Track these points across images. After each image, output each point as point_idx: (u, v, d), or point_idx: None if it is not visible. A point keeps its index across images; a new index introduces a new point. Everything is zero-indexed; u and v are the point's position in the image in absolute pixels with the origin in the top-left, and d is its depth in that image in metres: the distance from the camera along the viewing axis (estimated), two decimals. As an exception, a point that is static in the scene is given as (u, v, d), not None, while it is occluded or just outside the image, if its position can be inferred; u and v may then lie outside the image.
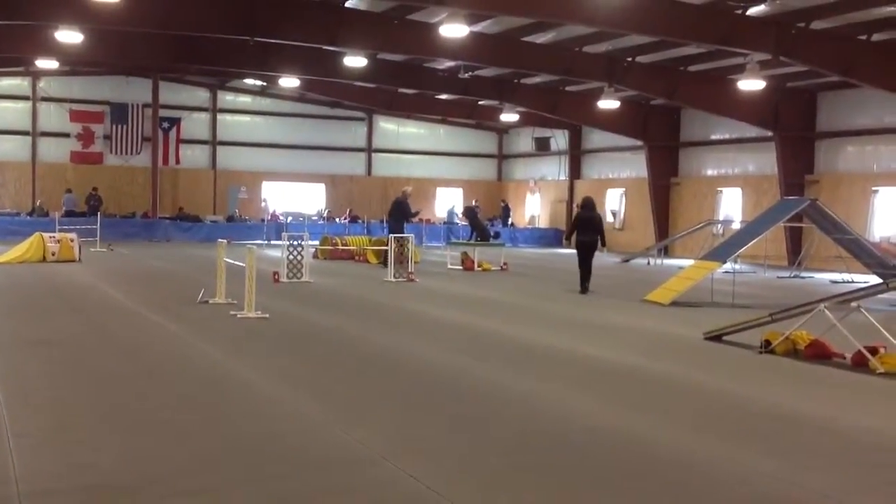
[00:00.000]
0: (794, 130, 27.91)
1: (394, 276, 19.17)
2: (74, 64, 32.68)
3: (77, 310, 13.35)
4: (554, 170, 40.16)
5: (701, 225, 29.25)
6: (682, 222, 32.48)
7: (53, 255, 21.65)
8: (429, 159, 42.14)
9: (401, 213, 23.72)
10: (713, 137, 32.30)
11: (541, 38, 25.36)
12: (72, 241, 22.28)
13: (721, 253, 17.19)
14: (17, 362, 8.90)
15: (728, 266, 17.42)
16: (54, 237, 22.31)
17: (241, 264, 13.25)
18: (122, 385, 8.00)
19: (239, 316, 12.48)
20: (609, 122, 32.70)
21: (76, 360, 9.18)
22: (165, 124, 37.04)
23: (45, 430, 6.35)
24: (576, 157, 39.18)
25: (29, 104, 35.92)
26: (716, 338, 11.44)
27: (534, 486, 5.38)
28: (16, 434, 6.12)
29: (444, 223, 39.22)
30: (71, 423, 6.55)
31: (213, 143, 38.59)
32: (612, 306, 15.55)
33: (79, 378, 8.27)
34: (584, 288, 17.69)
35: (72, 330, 11.19)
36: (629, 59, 26.23)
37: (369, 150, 41.30)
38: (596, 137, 37.77)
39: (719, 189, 31.93)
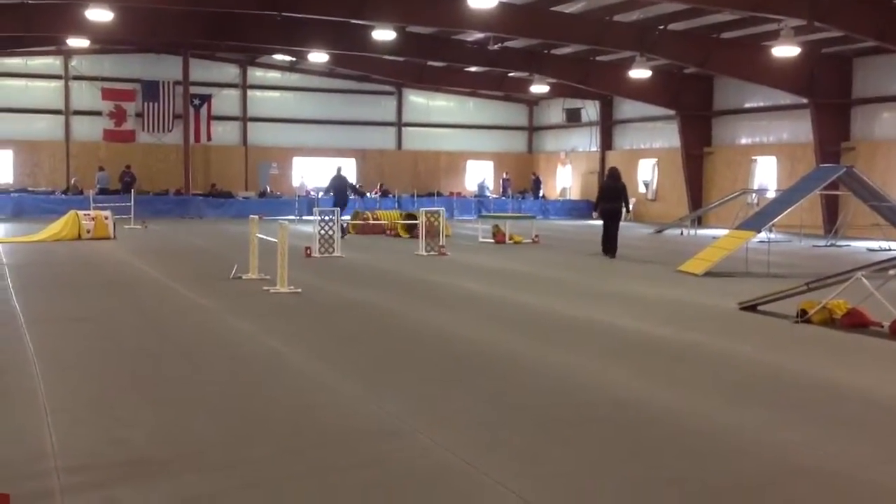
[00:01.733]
0: (829, 97, 27.45)
1: (425, 249, 19.17)
2: (105, 42, 32.84)
3: (112, 286, 13.48)
4: (585, 141, 39.88)
5: (735, 194, 28.93)
6: (715, 192, 32.17)
7: (88, 232, 21.86)
8: (459, 132, 41.99)
9: (344, 187, 24.73)
10: (747, 105, 31.87)
11: (570, 8, 25.08)
12: (106, 218, 22.49)
13: (756, 222, 17.00)
14: (54, 338, 9.01)
15: (763, 235, 17.25)
16: (89, 215, 22.53)
17: (273, 240, 13.31)
18: (156, 360, 8.08)
19: (271, 291, 12.54)
20: (641, 92, 32.36)
21: (111, 336, 9.28)
22: (196, 101, 37.18)
23: (81, 406, 6.43)
24: (607, 127, 38.85)
25: (61, 83, 36.19)
26: (751, 308, 11.33)
27: (564, 458, 5.37)
28: (53, 409, 6.20)
29: (475, 196, 39.12)
30: (106, 399, 6.63)
31: (244, 119, 38.69)
32: (645, 277, 15.45)
33: (114, 354, 8.35)
34: (611, 252, 18.78)
35: (107, 306, 11.30)
36: (661, 27, 25.89)
37: (399, 123, 41.22)
38: (627, 108, 37.41)
39: (753, 158, 31.55)
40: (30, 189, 34.12)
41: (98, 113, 36.38)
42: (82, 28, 26.57)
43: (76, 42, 30.14)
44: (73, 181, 34.82)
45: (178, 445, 5.51)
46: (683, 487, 4.94)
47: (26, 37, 29.87)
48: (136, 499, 4.56)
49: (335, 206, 22.11)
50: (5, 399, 6.32)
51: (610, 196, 19.36)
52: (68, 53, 35.31)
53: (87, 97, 36.34)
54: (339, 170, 25.65)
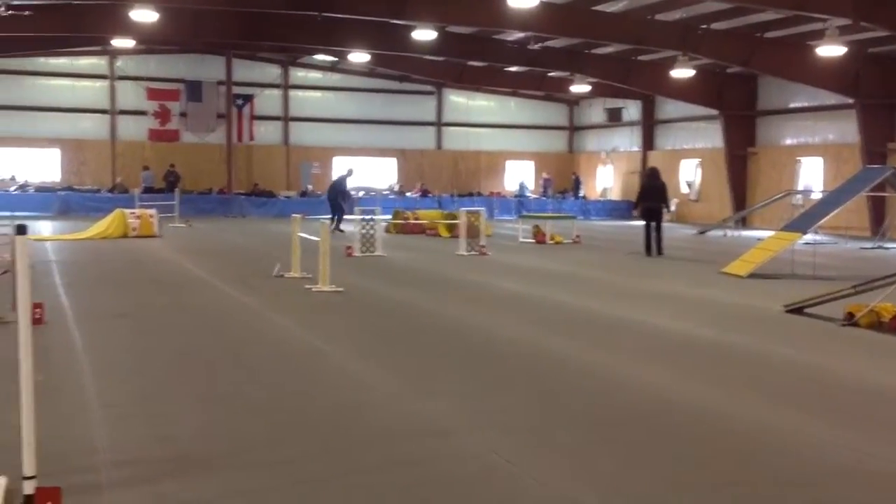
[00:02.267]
0: (876, 97, 27.00)
1: (465, 249, 19.18)
2: (150, 43, 33.24)
3: (158, 284, 13.66)
4: (626, 141, 39.63)
5: (780, 195, 28.58)
6: (759, 193, 31.80)
7: (134, 230, 22.15)
8: (499, 132, 41.92)
9: (337, 192, 25.78)
10: (792, 105, 31.45)
11: (612, 7, 24.93)
12: (151, 216, 22.78)
13: (801, 224, 16.79)
14: (102, 335, 9.15)
15: (808, 237, 17.03)
16: (135, 213, 22.83)
17: (314, 239, 13.39)
18: (200, 357, 8.17)
19: (314, 290, 12.62)
20: (683, 92, 32.08)
21: (157, 332, 9.41)
22: (239, 101, 37.51)
23: (128, 401, 6.52)
24: (649, 127, 38.56)
25: (107, 83, 36.70)
26: (796, 310, 11.19)
27: (607, 458, 5.35)
28: (101, 405, 6.30)
29: (515, 196, 39.07)
30: (152, 395, 6.72)
31: (286, 119, 38.97)
32: (688, 278, 15.33)
33: (159, 350, 8.47)
34: (657, 251, 19.06)
35: (153, 303, 11.45)
36: (704, 26, 25.63)
37: (439, 123, 41.27)
38: (669, 107, 37.11)
39: (798, 158, 31.13)
40: (76, 187, 34.64)
41: (143, 112, 36.84)
42: (128, 29, 26.93)
43: (122, 42, 30.55)
44: (118, 180, 35.28)
45: (222, 442, 5.57)
46: (727, 487, 4.90)
47: (73, 37, 30.34)
48: (182, 494, 4.62)
49: (334, 206, 24.78)
50: (55, 394, 6.43)
51: (649, 195, 19.65)
52: (114, 54, 35.80)
53: (132, 97, 36.80)
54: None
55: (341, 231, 23.90)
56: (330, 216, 24.76)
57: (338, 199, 25.89)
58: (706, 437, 5.83)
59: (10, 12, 23.99)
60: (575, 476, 5.02)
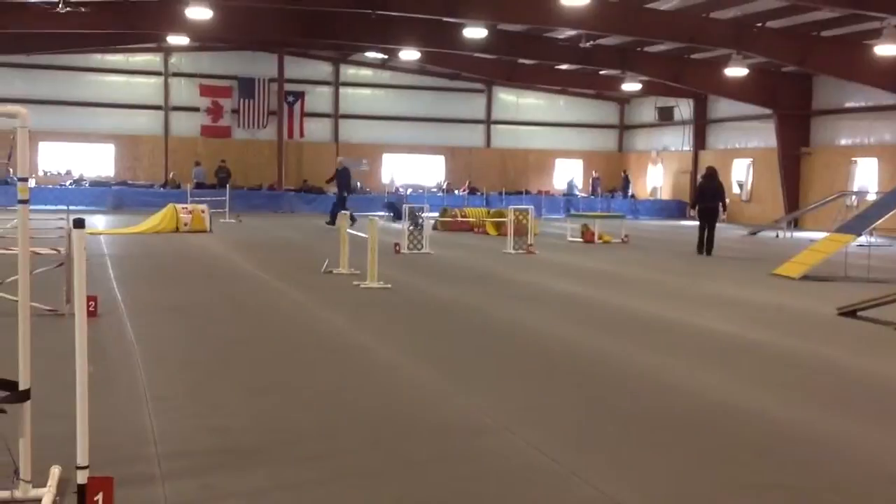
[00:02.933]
0: (935, 97, 26.45)
1: (513, 247, 19.14)
2: (204, 40, 33.68)
3: (209, 278, 13.84)
4: (677, 140, 39.25)
5: (834, 196, 28.10)
6: (813, 194, 31.29)
7: (186, 225, 22.46)
8: (548, 130, 41.76)
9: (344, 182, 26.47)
10: (847, 105, 30.89)
11: (665, 5, 24.71)
12: (203, 212, 23.07)
13: (855, 225, 16.49)
14: (155, 327, 9.30)
15: (863, 239, 16.72)
16: (186, 208, 23.14)
17: (363, 235, 13.46)
18: (249, 350, 8.26)
19: (362, 286, 12.69)
20: (736, 91, 31.67)
21: (208, 325, 9.53)
22: (290, 98, 37.84)
23: (179, 393, 6.62)
24: (701, 126, 38.15)
25: (161, 79, 37.24)
26: (850, 313, 11.00)
27: (654, 459, 5.31)
28: (153, 396, 6.40)
29: (564, 195, 38.90)
30: (203, 387, 6.81)
31: (336, 116, 39.22)
32: (739, 280, 15.14)
33: (210, 343, 8.58)
34: (707, 251, 19.33)
35: (204, 297, 11.61)
36: (758, 24, 25.29)
37: (488, 121, 41.22)
38: (722, 106, 36.66)
39: (853, 159, 30.57)
40: (130, 182, 35.21)
41: (196, 109, 37.33)
42: (182, 26, 27.33)
43: (176, 39, 31.01)
44: (171, 175, 35.80)
45: (271, 434, 5.63)
46: (775, 490, 4.84)
47: (129, 34, 30.83)
48: (232, 486, 4.68)
49: (340, 198, 25.68)
50: (108, 385, 6.54)
51: (707, 195, 19.89)
52: (168, 51, 36.31)
53: (185, 93, 37.31)
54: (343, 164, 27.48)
55: (332, 225, 23.56)
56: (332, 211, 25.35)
57: (341, 192, 26.35)
58: (755, 440, 5.76)
59: (67, 9, 24.45)
60: (620, 476, 4.99)
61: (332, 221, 22.98)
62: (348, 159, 29.37)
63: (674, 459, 5.34)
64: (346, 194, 26.35)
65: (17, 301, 4.47)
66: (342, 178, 26.56)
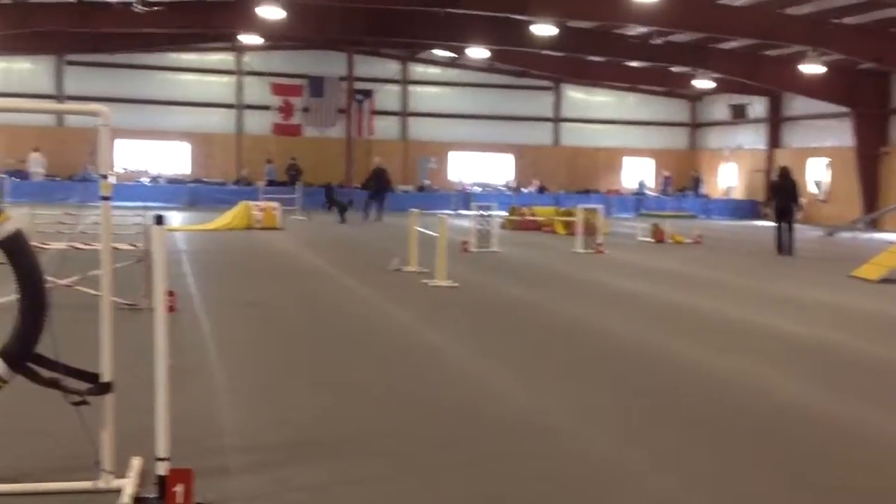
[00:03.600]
0: None
1: (582, 247, 19.02)
2: (275, 39, 34.14)
3: (280, 274, 14.04)
4: (751, 138, 38.53)
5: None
6: (892, 194, 30.43)
7: (258, 222, 22.79)
8: (617, 128, 41.36)
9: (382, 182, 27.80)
10: (929, 103, 30.01)
11: (738, 1, 24.29)
12: (274, 209, 23.39)
13: (937, 227, 16.00)
14: (229, 323, 9.47)
15: (944, 241, 16.19)
16: (259, 206, 23.49)
17: (431, 233, 13.51)
18: (319, 346, 8.36)
19: (430, 284, 12.73)
20: (812, 88, 30.95)
21: (278, 321, 9.68)
22: (359, 96, 38.15)
23: (252, 387, 6.73)
24: (775, 124, 37.39)
25: (234, 78, 37.87)
26: (930, 317, 10.69)
27: (721, 460, 5.24)
28: (227, 390, 6.52)
29: (634, 194, 38.50)
30: (276, 381, 6.91)
31: (404, 114, 39.42)
32: (815, 281, 14.82)
33: (281, 338, 8.71)
34: (788, 251, 19.21)
35: (276, 293, 11.78)
36: (835, 20, 24.69)
37: (557, 119, 41.00)
38: (797, 104, 35.87)
39: (934, 159, 29.68)
40: (204, 180, 35.87)
41: (267, 107, 37.87)
42: (255, 25, 27.77)
43: (249, 39, 31.50)
44: (243, 173, 36.37)
45: (342, 429, 5.69)
46: (842, 494, 4.74)
47: (203, 33, 31.43)
48: (303, 479, 4.75)
49: (372, 197, 27.26)
50: (186, 378, 6.67)
51: (781, 194, 19.82)
52: (241, 50, 36.90)
53: (257, 92, 37.88)
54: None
55: (376, 219, 26.07)
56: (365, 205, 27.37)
57: (379, 190, 27.70)
58: (823, 442, 5.66)
59: (144, 9, 25.01)
60: (686, 477, 4.94)
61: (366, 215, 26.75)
62: (383, 161, 30.03)
63: (741, 460, 5.26)
64: (382, 192, 27.54)
65: (99, 296, 4.59)
66: (376, 178, 28.07)
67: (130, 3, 25.17)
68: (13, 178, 31.31)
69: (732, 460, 5.29)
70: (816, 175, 34.83)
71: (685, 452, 5.43)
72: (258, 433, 5.56)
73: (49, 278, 4.54)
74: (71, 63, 35.78)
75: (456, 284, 12.68)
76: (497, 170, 40.30)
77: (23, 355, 4.33)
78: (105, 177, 4.43)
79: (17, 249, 4.31)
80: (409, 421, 5.96)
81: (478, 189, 36.49)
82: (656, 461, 5.23)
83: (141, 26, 27.45)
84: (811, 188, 34.49)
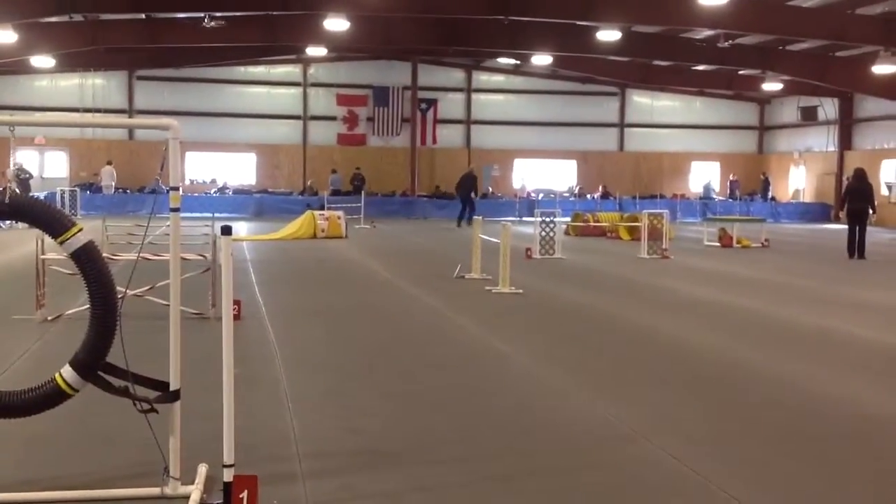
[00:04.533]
0: None
1: (647, 252, 18.80)
2: (340, 50, 34.51)
3: (345, 283, 14.15)
4: (821, 141, 37.73)
5: None
6: (970, 195, 29.52)
7: (323, 231, 23.01)
8: (684, 133, 40.87)
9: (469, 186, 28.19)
10: None
11: (808, 2, 23.84)
12: (339, 218, 23.60)
13: None
14: (295, 331, 9.55)
15: None
16: (324, 215, 23.72)
17: (494, 241, 13.48)
18: (385, 354, 8.39)
19: (494, 291, 12.70)
20: (885, 88, 30.18)
21: (344, 329, 9.73)
22: (423, 105, 38.34)
23: (318, 395, 6.78)
24: (846, 126, 36.56)
25: (300, 90, 38.37)
26: None
27: (801, 474, 5.10)
28: (294, 397, 6.57)
29: (700, 198, 37.97)
30: (342, 389, 6.95)
31: (468, 122, 39.48)
32: (888, 286, 14.43)
33: (348, 346, 8.75)
34: (859, 254, 19.05)
35: (341, 301, 11.86)
36: (908, 19, 24.08)
37: (622, 124, 40.67)
38: (870, 105, 35.03)
39: None
40: (270, 190, 36.39)
41: (332, 118, 38.29)
42: (321, 37, 28.10)
43: (314, 51, 31.88)
44: (309, 183, 36.80)
45: (409, 437, 5.69)
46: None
47: (270, 46, 31.90)
48: (371, 486, 4.75)
49: (464, 203, 27.50)
50: (252, 386, 6.76)
51: (855, 197, 19.57)
52: (307, 62, 37.38)
53: (323, 103, 38.33)
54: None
55: (468, 225, 25.72)
56: (460, 212, 27.83)
57: (469, 196, 27.94)
58: (911, 457, 5.47)
59: (213, 23, 25.49)
60: (763, 489, 4.81)
61: (458, 223, 27.11)
62: (476, 166, 30.82)
63: (821, 472, 5.12)
64: (471, 197, 27.67)
65: (167, 305, 4.67)
66: (465, 183, 28.53)
67: (199, 19, 25.68)
68: (86, 192, 32.14)
69: (814, 472, 5.16)
70: (888, 177, 33.95)
71: (763, 463, 5.30)
72: (325, 440, 5.59)
73: (119, 288, 4.62)
74: (141, 78, 36.64)
75: (520, 291, 12.63)
76: (561, 176, 40.11)
77: (93, 364, 4.43)
78: (174, 189, 4.50)
79: (89, 260, 4.42)
80: (477, 428, 5.93)
81: (541, 195, 36.32)
82: (734, 472, 5.10)
83: (208, 41, 27.99)
84: (883, 191, 33.64)
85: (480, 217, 15.46)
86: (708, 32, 27.80)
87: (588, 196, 37.61)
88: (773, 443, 5.70)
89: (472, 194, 28.44)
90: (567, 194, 38.12)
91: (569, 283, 14.34)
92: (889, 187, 33.82)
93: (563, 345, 9.08)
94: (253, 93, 38.06)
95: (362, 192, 31.35)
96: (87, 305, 4.53)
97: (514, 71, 39.19)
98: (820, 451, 5.56)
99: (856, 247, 19.17)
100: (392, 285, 13.76)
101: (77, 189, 31.14)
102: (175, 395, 4.47)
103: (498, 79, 39.86)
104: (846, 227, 19.76)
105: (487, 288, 13.00)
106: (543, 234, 18.45)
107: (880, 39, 24.85)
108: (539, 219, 18.72)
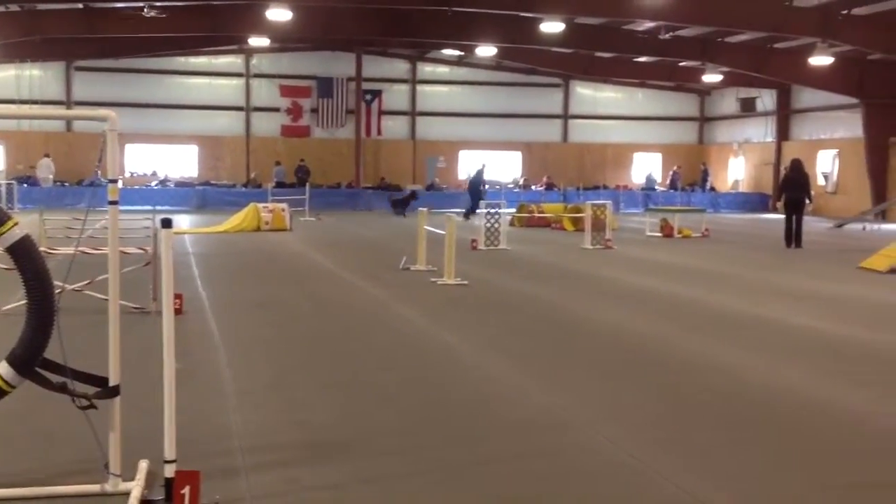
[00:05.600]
0: None
1: (591, 243, 19.00)
2: (283, 41, 34.22)
3: (289, 275, 14.07)
4: (760, 131, 38.42)
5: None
6: (902, 185, 30.31)
7: (267, 224, 22.83)
8: (626, 124, 41.31)
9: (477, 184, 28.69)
10: (939, 93, 29.83)
11: (746, -6, 24.24)
12: (283, 210, 23.44)
13: (948, 217, 15.95)
14: (238, 324, 9.49)
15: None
16: (267, 207, 23.54)
17: (440, 232, 13.52)
18: (330, 346, 8.38)
19: (439, 283, 12.74)
20: (821, 80, 30.83)
21: (289, 322, 9.69)
22: (368, 97, 38.19)
23: (262, 388, 6.75)
24: (784, 117, 37.28)
25: (243, 81, 37.96)
26: (942, 309, 10.64)
27: (739, 458, 5.22)
28: (238, 392, 6.54)
29: (643, 189, 38.44)
30: (285, 382, 6.93)
31: (413, 113, 39.44)
32: (825, 274, 14.77)
33: (292, 339, 8.72)
34: (796, 243, 19.36)
35: (285, 294, 11.80)
36: (844, 11, 24.60)
37: (565, 116, 40.96)
38: (806, 96, 35.76)
39: (946, 149, 29.52)
40: (212, 182, 35.97)
41: (276, 109, 37.96)
42: (263, 27, 27.83)
43: (257, 41, 31.56)
44: (252, 175, 36.45)
45: (354, 429, 5.70)
46: (864, 491, 4.71)
47: (212, 37, 31.52)
48: (315, 479, 4.75)
49: (474, 200, 27.34)
50: (194, 380, 6.70)
51: (792, 187, 19.91)
52: (249, 52, 36.99)
53: (265, 94, 37.97)
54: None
55: (468, 219, 25.85)
56: (469, 206, 27.81)
57: (478, 190, 28.30)
58: (841, 438, 5.63)
59: (152, 13, 25.09)
60: (704, 475, 4.91)
61: (466, 217, 26.60)
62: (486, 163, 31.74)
63: (759, 458, 5.24)
64: (479, 190, 28.39)
65: (106, 299, 4.61)
66: (475, 177, 29.47)
67: (138, 9, 25.26)
68: (23, 185, 31.45)
69: (752, 457, 5.27)
70: (825, 167, 34.72)
71: (703, 450, 5.41)
72: (268, 434, 5.57)
73: (57, 283, 4.55)
74: (79, 69, 35.95)
75: (465, 282, 12.69)
76: (506, 167, 40.28)
77: (31, 360, 4.35)
78: (113, 182, 4.44)
79: (25, 255, 4.33)
80: (422, 419, 5.96)
81: (486, 187, 36.41)
82: (675, 459, 5.20)
83: (149, 31, 27.55)
84: (819, 180, 34.39)
85: (426, 209, 15.48)
86: (649, 24, 28.14)
87: (533, 187, 37.83)
88: (710, 428, 5.83)
89: (482, 188, 29.15)
90: (512, 185, 38.29)
91: (514, 273, 14.44)
92: (825, 177, 34.57)
93: (507, 335, 9.14)
94: (194, 84, 37.57)
95: (307, 185, 31.13)
96: (24, 301, 4.45)
97: (458, 62, 39.23)
98: (755, 435, 5.69)
99: (793, 236, 19.54)
100: (337, 277, 13.72)
101: (14, 182, 30.48)
102: (114, 391, 4.42)
103: (442, 70, 39.88)
104: (784, 216, 20.15)
105: (433, 279, 13.03)
106: (488, 225, 18.54)
107: (817, 32, 25.37)
108: (484, 210, 18.80)
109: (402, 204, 30.05)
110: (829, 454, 5.34)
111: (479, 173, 29.54)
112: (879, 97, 31.14)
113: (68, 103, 35.48)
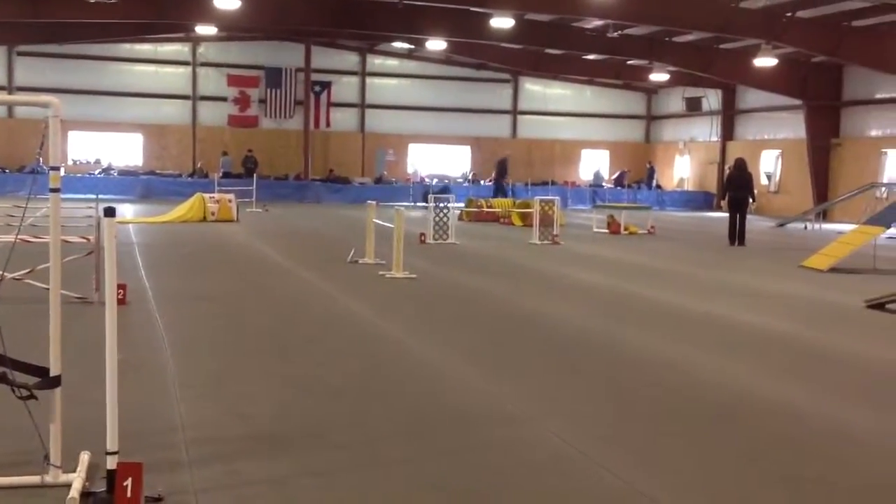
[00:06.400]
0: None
1: (539, 238, 19.11)
2: (231, 30, 33.83)
3: (236, 267, 13.92)
4: (705, 131, 38.97)
5: (863, 188, 27.81)
6: (842, 185, 30.98)
7: (213, 214, 22.58)
8: (575, 121, 41.61)
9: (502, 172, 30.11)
10: (878, 96, 30.55)
11: (694, -6, 24.54)
12: (230, 201, 23.19)
13: (885, 217, 16.32)
14: (183, 316, 9.37)
15: (892, 231, 16.53)
16: (214, 198, 23.27)
17: (388, 225, 13.48)
18: (276, 340, 8.31)
19: (387, 276, 12.72)
20: (765, 81, 31.40)
21: (235, 314, 9.60)
22: (317, 88, 37.94)
23: (207, 381, 6.67)
24: (729, 117, 37.87)
25: (189, 69, 37.46)
26: (878, 306, 10.90)
27: (681, 452, 5.29)
28: (181, 384, 6.46)
29: (590, 185, 38.77)
30: (230, 375, 6.86)
31: (362, 106, 39.28)
32: (767, 272, 15.04)
33: (237, 332, 8.64)
34: (739, 241, 19.70)
35: (231, 286, 11.69)
36: (789, 14, 25.04)
37: (515, 111, 41.13)
38: (751, 97, 36.37)
39: (884, 150, 30.26)
40: (158, 172, 35.46)
41: (223, 99, 37.52)
42: (211, 15, 27.48)
43: (204, 29, 31.16)
44: (198, 165, 36.01)
45: (299, 422, 5.66)
46: (801, 486, 4.81)
47: (157, 24, 31.04)
48: (259, 472, 4.71)
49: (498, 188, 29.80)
50: (138, 372, 6.61)
51: (736, 186, 20.25)
52: (196, 40, 36.51)
53: (213, 83, 37.52)
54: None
55: None
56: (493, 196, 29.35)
57: (501, 185, 29.82)
58: (782, 432, 5.73)
59: (97, -1, 24.64)
60: (648, 469, 4.97)
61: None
62: (510, 153, 33.46)
63: (702, 452, 5.32)
64: (502, 183, 29.87)
65: (47, 289, 4.52)
66: (499, 168, 30.77)
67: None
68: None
69: (696, 451, 5.35)
70: (768, 167, 35.35)
71: (648, 444, 5.47)
72: (211, 426, 5.51)
73: (-4, 271, 4.45)
74: (21, 54, 35.19)
75: (413, 276, 12.68)
76: (455, 162, 40.33)
77: (-32, 350, 4.25)
78: (55, 169, 4.36)
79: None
80: (369, 413, 5.95)
81: (435, 181, 36.46)
82: (620, 453, 5.26)
83: (94, 16, 27.03)
84: (763, 180, 35.01)
85: (374, 201, 15.43)
86: (598, 22, 28.36)
87: (482, 182, 37.92)
88: (654, 422, 5.90)
89: (505, 179, 29.90)
90: (461, 180, 38.35)
91: (462, 267, 14.47)
92: (768, 177, 35.20)
93: (455, 329, 9.16)
94: (139, 71, 36.98)
95: (254, 175, 30.83)
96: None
97: (408, 55, 39.17)
98: (698, 430, 5.78)
99: (736, 234, 19.86)
100: (284, 269, 13.62)
101: (-49, 168, 29.72)
102: (55, 381, 4.33)
103: (392, 63, 39.77)
104: (727, 215, 20.49)
105: (381, 272, 13.00)
106: (437, 219, 18.54)
107: (762, 33, 25.80)
108: (432, 204, 18.81)
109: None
110: (772, 448, 5.43)
111: (503, 165, 30.77)
112: (821, 99, 31.82)
113: (10, 89, 34.71)
